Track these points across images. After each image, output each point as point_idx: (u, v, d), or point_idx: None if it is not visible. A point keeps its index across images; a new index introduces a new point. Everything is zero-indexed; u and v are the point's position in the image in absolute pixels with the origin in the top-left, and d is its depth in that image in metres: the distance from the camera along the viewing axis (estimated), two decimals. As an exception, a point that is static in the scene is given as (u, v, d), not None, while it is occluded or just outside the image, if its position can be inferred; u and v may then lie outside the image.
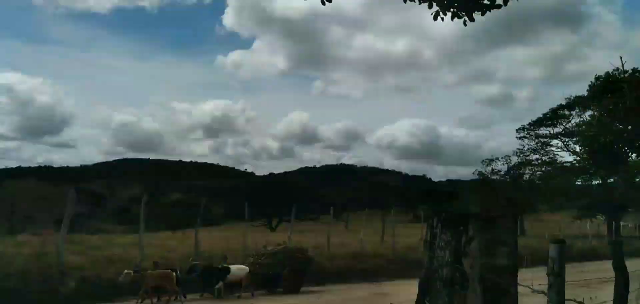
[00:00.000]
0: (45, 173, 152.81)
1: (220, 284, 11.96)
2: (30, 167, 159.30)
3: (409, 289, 13.64)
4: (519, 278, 2.93)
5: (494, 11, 5.09)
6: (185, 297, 11.47)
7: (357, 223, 38.11)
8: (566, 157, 39.47)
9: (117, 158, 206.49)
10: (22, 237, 20.12)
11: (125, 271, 10.60)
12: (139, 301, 10.51)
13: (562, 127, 39.10)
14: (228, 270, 12.10)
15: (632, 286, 4.75)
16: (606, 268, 5.65)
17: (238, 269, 12.38)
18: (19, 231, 30.11)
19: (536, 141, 41.19)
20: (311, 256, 14.65)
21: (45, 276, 11.18)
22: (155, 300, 10.90)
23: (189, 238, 20.45)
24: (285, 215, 45.32)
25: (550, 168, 39.82)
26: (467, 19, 5.09)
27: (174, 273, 11.08)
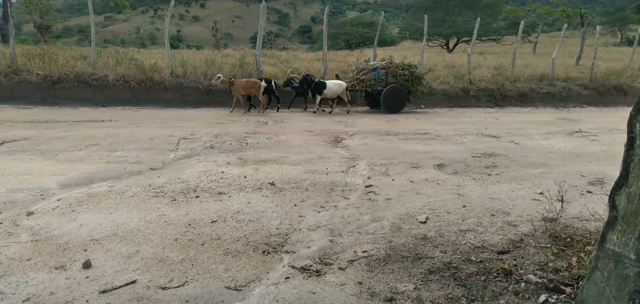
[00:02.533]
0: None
1: (317, 98, 11.77)
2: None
3: (603, 116, 12.21)
4: None
5: None
6: (278, 109, 11.91)
7: (548, 46, 34.01)
8: None
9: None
10: (225, 51, 23.30)
11: (217, 75, 11.31)
12: (232, 108, 11.37)
13: None
14: (324, 85, 11.74)
15: None
16: None
17: (334, 85, 11.88)
18: (222, 46, 34.78)
19: None
20: (419, 74, 12.87)
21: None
22: (248, 110, 11.44)
23: (365, 56, 21.07)
24: (464, 35, 42.62)
25: None
26: None
27: (263, 83, 11.41)
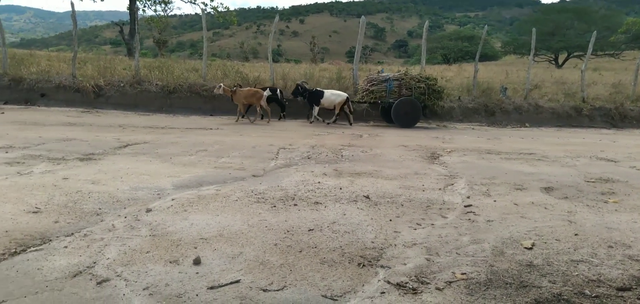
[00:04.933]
0: (335, 6, 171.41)
1: (315, 109, 11.56)
2: (324, 3, 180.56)
3: None
4: None
5: None
6: (283, 117, 12.08)
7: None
8: None
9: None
10: (322, 65, 23.93)
11: (219, 84, 11.47)
12: (237, 117, 11.42)
13: None
14: (321, 94, 11.46)
15: None
16: None
17: (332, 95, 11.52)
18: (319, 60, 35.74)
19: None
20: (439, 88, 11.96)
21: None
22: (252, 119, 11.57)
23: (465, 70, 20.38)
24: (576, 49, 39.37)
25: None
26: None
27: (267, 92, 11.42)
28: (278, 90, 12.08)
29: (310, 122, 11.62)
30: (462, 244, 3.41)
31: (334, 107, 11.54)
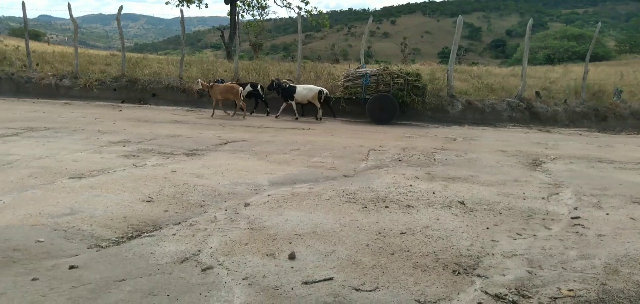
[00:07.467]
0: (428, 6, 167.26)
1: (286, 103, 11.80)
2: (417, 3, 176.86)
3: None
4: None
5: None
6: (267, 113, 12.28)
7: None
8: None
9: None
10: (414, 66, 23.40)
11: (198, 80, 12.01)
12: (212, 112, 11.72)
13: None
14: (294, 89, 11.61)
15: None
16: None
17: (304, 89, 11.66)
18: (410, 61, 35.04)
19: None
20: (420, 84, 11.39)
21: (436, 98, 12.80)
22: (232, 113, 11.95)
23: (571, 71, 18.81)
24: None
25: None
26: None
27: (248, 87, 11.97)
28: (259, 86, 12.44)
29: (276, 117, 11.87)
30: (568, 258, 3.16)
31: (308, 102, 11.80)
